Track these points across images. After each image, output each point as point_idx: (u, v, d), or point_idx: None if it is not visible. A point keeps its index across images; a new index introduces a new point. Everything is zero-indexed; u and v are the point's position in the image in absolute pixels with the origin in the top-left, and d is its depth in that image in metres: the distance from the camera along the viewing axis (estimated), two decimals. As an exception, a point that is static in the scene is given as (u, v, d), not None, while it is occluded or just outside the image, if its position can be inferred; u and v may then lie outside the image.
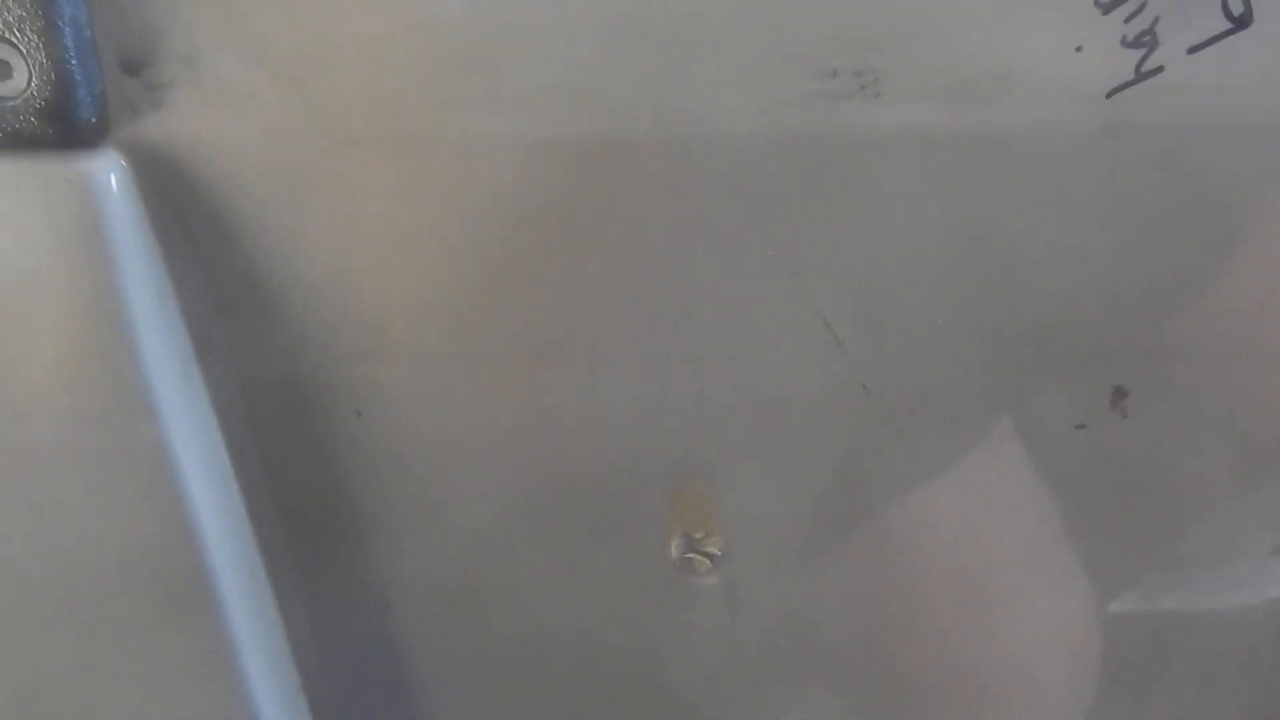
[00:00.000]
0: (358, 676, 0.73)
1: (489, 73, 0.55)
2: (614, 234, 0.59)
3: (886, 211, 0.58)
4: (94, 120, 0.54)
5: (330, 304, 0.61)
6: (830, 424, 0.64)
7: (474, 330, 0.62)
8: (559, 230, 0.59)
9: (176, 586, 0.63)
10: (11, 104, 0.52)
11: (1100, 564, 0.69)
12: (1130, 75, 0.53)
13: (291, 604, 0.69)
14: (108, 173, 0.55)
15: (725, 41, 0.54)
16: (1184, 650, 0.73)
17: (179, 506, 0.61)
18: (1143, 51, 0.53)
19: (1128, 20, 0.52)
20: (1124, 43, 0.53)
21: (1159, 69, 0.53)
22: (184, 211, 0.58)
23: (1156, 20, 0.52)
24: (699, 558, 0.68)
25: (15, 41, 0.51)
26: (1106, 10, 0.52)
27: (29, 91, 0.52)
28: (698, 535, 0.67)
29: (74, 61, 0.52)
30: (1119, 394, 0.62)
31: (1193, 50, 0.53)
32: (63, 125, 0.53)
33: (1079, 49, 0.53)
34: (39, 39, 0.51)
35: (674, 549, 0.68)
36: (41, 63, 0.51)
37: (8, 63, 0.52)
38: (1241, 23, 0.52)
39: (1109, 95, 0.54)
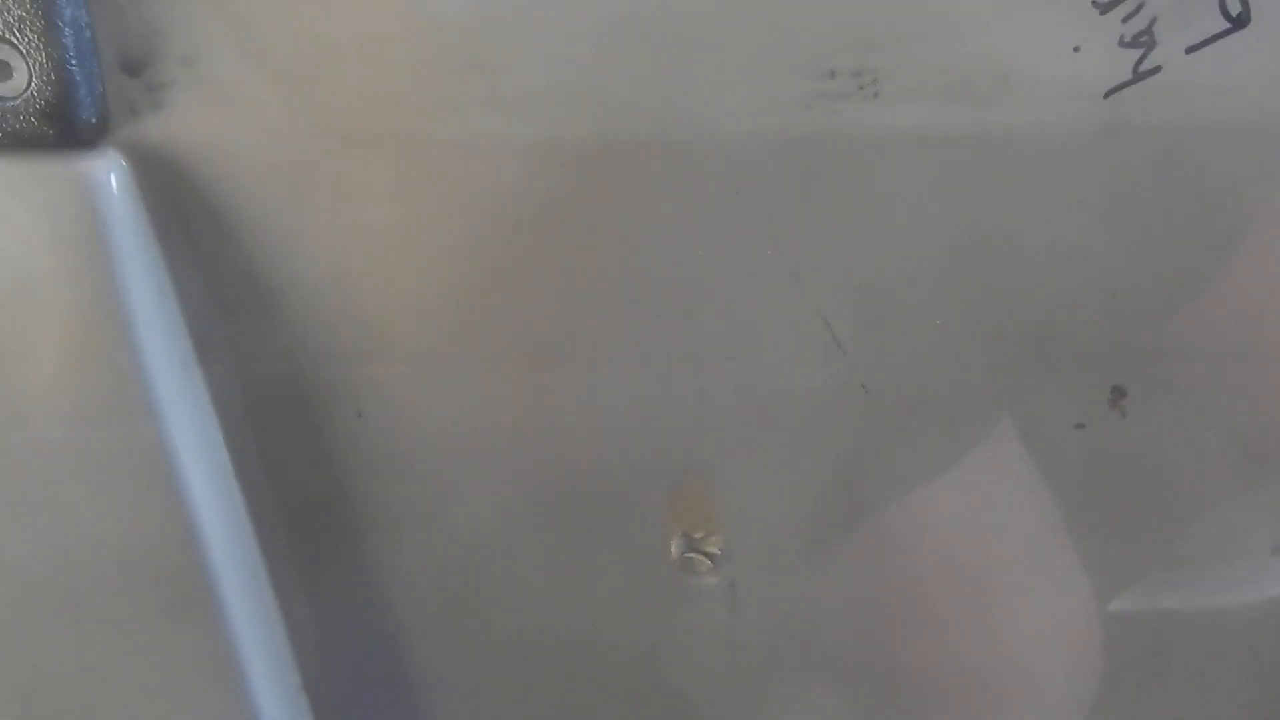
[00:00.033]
0: (358, 675, 0.73)
1: (489, 73, 0.55)
2: (614, 234, 0.59)
3: (886, 211, 0.58)
4: (94, 120, 0.54)
5: (331, 304, 0.61)
6: (830, 423, 0.64)
7: (474, 330, 0.62)
8: (559, 230, 0.59)
9: (177, 586, 0.63)
10: (12, 104, 0.52)
11: (1100, 563, 0.69)
12: (1128, 75, 0.53)
13: (292, 603, 0.68)
14: (108, 173, 0.55)
15: (725, 42, 0.54)
16: (1184, 649, 0.73)
17: (180, 506, 0.61)
18: (1140, 51, 0.53)
19: (1125, 20, 0.52)
20: (1122, 42, 0.53)
21: (1157, 69, 0.53)
22: (184, 212, 0.58)
23: (1154, 20, 0.52)
24: (699, 557, 0.68)
25: (15, 42, 0.51)
26: (1104, 10, 0.52)
27: (29, 92, 0.52)
28: (698, 535, 0.68)
29: (74, 62, 0.52)
30: (1118, 393, 0.62)
31: (1190, 50, 0.53)
32: (63, 125, 0.53)
33: (1077, 49, 0.53)
34: (39, 39, 0.51)
35: (674, 548, 0.68)
36: (42, 63, 0.52)
37: (8, 63, 0.52)
38: (1239, 22, 0.52)
39: (1107, 95, 0.54)
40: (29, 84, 0.52)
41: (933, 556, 0.70)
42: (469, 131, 0.56)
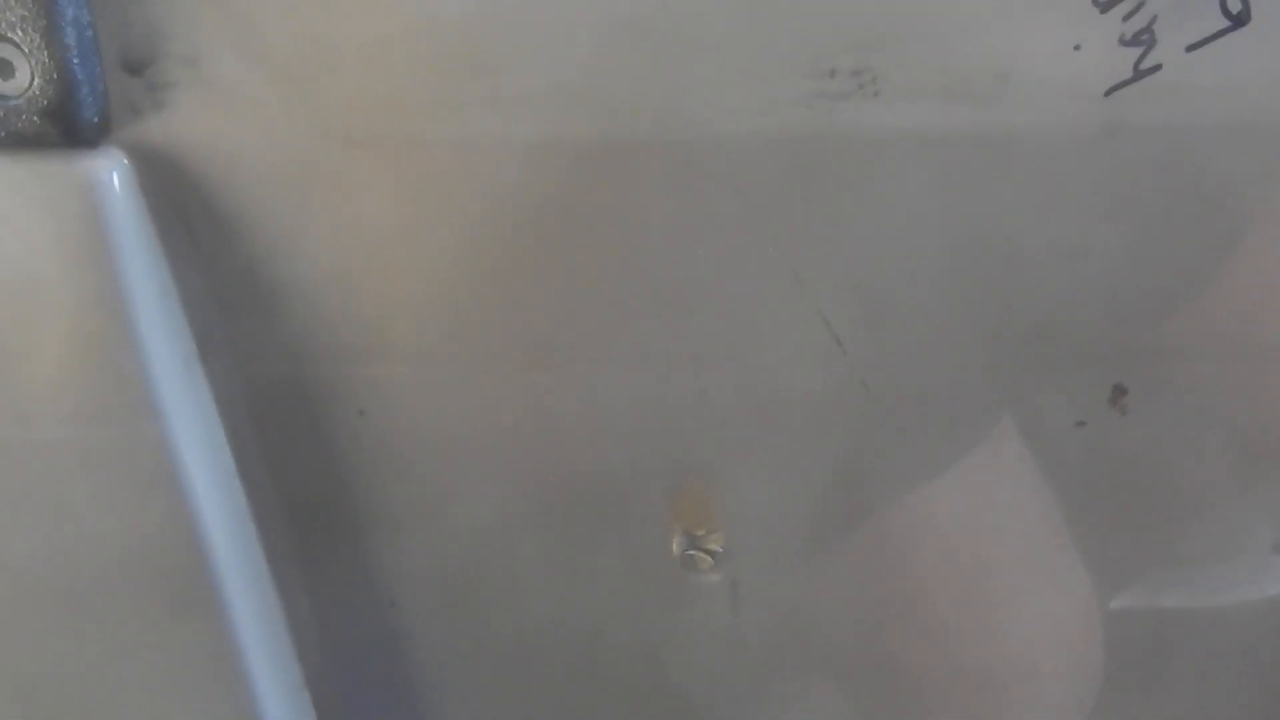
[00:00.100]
0: (361, 673, 0.73)
1: (490, 73, 0.55)
2: (614, 234, 0.60)
3: (886, 211, 0.58)
4: (96, 119, 0.54)
5: (332, 303, 0.61)
6: (831, 422, 0.64)
7: (475, 329, 0.62)
8: (560, 230, 0.59)
9: (179, 584, 0.63)
10: (14, 103, 0.52)
11: (1100, 562, 0.69)
12: (1128, 74, 0.53)
13: (294, 601, 0.68)
14: (110, 171, 0.55)
15: (725, 42, 0.54)
16: (1184, 648, 0.73)
17: (182, 505, 0.61)
18: (1141, 50, 0.53)
19: (1126, 19, 0.52)
20: (1122, 41, 0.53)
21: (1157, 67, 0.53)
22: (186, 211, 0.58)
23: (1154, 19, 0.52)
24: (701, 555, 0.68)
25: (17, 41, 0.51)
26: (1105, 9, 0.52)
27: (31, 91, 0.52)
28: (699, 532, 0.68)
29: (76, 61, 0.52)
30: (1119, 391, 0.62)
31: (1191, 48, 0.53)
32: (65, 124, 0.53)
33: (1077, 47, 0.53)
34: (41, 38, 0.51)
35: (676, 546, 0.68)
36: (44, 62, 0.52)
37: (10, 62, 0.52)
38: (1239, 21, 0.52)
39: (1107, 93, 0.54)
40: (31, 83, 0.52)
41: (934, 554, 0.70)
42: (469, 131, 0.56)
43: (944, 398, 0.64)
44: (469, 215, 0.59)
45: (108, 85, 0.54)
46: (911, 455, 0.65)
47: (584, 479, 0.66)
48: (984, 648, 0.73)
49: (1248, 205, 0.58)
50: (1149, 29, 0.52)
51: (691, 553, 0.68)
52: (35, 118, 0.52)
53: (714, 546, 0.68)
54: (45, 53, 0.51)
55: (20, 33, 0.51)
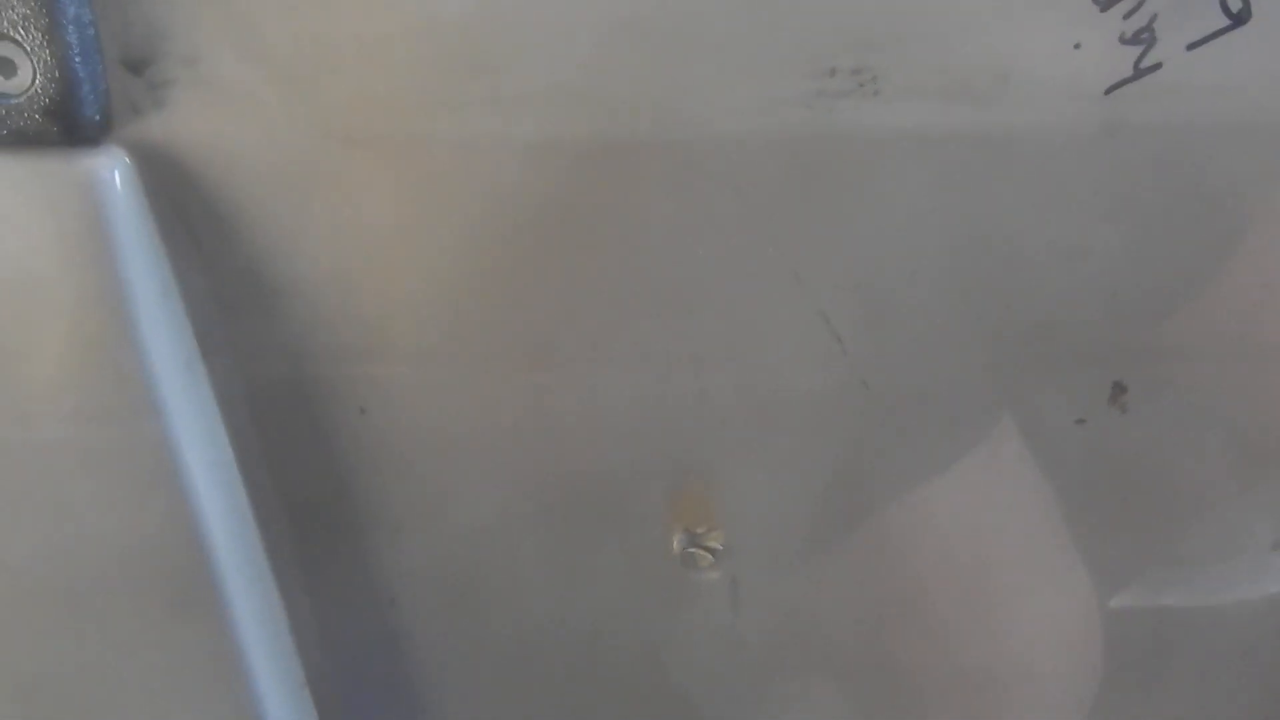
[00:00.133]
0: (362, 672, 0.73)
1: (490, 73, 0.55)
2: (614, 234, 0.60)
3: (886, 210, 0.58)
4: (98, 118, 0.54)
5: (333, 302, 0.61)
6: (831, 421, 0.64)
7: (476, 328, 0.62)
8: (560, 230, 0.59)
9: (180, 584, 0.63)
10: (15, 101, 0.52)
11: (1100, 561, 0.69)
12: (1129, 72, 0.53)
13: (295, 599, 0.68)
14: (111, 170, 0.55)
15: (724, 41, 0.54)
16: (1184, 647, 0.73)
17: (183, 503, 0.61)
18: (1141, 48, 0.53)
19: (1126, 17, 0.52)
20: (1122, 39, 0.53)
21: (1157, 65, 0.53)
22: (187, 209, 0.58)
23: (1155, 17, 0.52)
24: (701, 552, 0.68)
25: (19, 39, 0.51)
26: (1104, 7, 0.52)
27: (33, 89, 0.52)
28: (699, 530, 0.68)
29: (78, 59, 0.52)
30: (1119, 389, 0.62)
31: (1191, 47, 0.53)
32: (67, 122, 0.53)
33: (1077, 46, 0.53)
34: (43, 37, 0.51)
35: (676, 544, 0.68)
36: (45, 60, 0.52)
37: (12, 61, 0.52)
38: (1239, 19, 0.52)
39: (1107, 92, 0.54)
40: (33, 81, 0.52)
41: (934, 553, 0.70)
42: (469, 131, 0.56)
43: (944, 397, 0.64)
44: (469, 215, 0.59)
45: (109, 84, 0.54)
46: (911, 454, 0.65)
47: (584, 478, 0.66)
48: (984, 647, 0.73)
49: (1248, 205, 0.58)
50: (1149, 27, 0.52)
51: (692, 550, 0.68)
52: (37, 116, 0.53)
53: (714, 544, 0.68)
54: (47, 51, 0.52)
55: (22, 31, 0.51)
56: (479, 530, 0.68)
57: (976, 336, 0.62)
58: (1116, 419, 0.63)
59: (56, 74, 0.52)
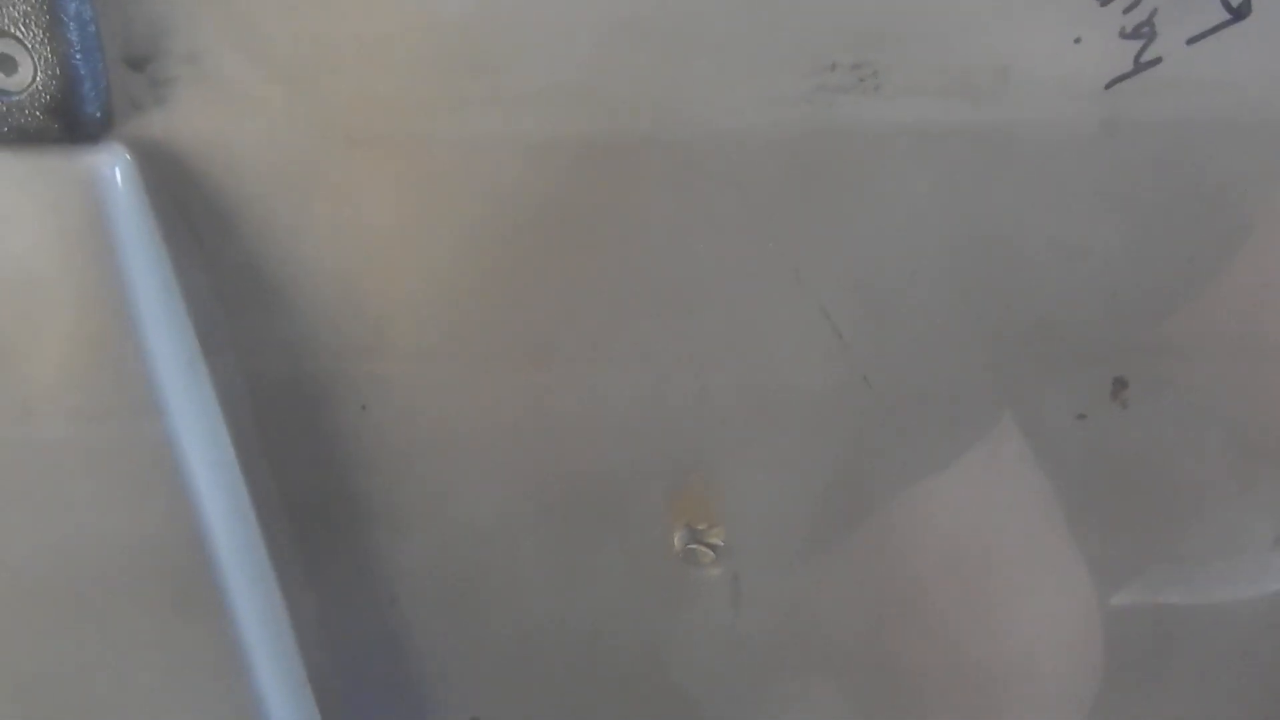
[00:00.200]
0: (363, 670, 0.73)
1: (490, 72, 0.55)
2: (615, 232, 0.60)
3: (887, 207, 0.58)
4: (99, 115, 0.54)
5: (334, 300, 0.61)
6: (832, 418, 0.64)
7: (477, 326, 0.62)
8: (560, 228, 0.59)
9: (182, 582, 0.63)
10: (17, 98, 0.52)
11: (1101, 559, 0.69)
12: (1129, 67, 0.54)
13: (297, 597, 0.68)
14: (112, 167, 0.55)
15: (724, 38, 0.54)
16: (1185, 646, 0.73)
17: (185, 502, 0.61)
18: (1141, 43, 0.53)
19: (1126, 12, 0.52)
20: (1122, 34, 0.53)
21: (1157, 60, 0.53)
22: (188, 207, 0.58)
23: (1155, 12, 0.52)
24: (702, 549, 0.68)
25: (20, 36, 0.51)
26: (1104, 2, 0.52)
27: (34, 86, 0.52)
28: (701, 527, 0.68)
29: (79, 56, 0.52)
30: (1119, 385, 0.62)
31: (1191, 41, 0.53)
32: (68, 120, 0.53)
33: (1077, 41, 0.53)
34: (44, 34, 0.51)
35: (677, 541, 0.68)
36: (47, 57, 0.52)
37: (13, 58, 0.52)
38: (1239, 14, 0.52)
39: (1108, 86, 0.54)
40: (34, 78, 0.52)
41: (935, 549, 0.70)
42: (470, 130, 0.56)
43: (945, 394, 0.64)
44: (470, 213, 0.59)
45: (110, 81, 0.54)
46: (913, 450, 0.65)
47: (585, 475, 0.66)
48: (984, 646, 0.73)
49: (1249, 202, 0.58)
50: (1149, 22, 0.52)
51: (693, 547, 0.68)
52: (38, 113, 0.53)
53: (715, 541, 0.68)
54: (48, 48, 0.52)
55: (23, 28, 0.51)
56: (480, 528, 0.68)
57: (977, 334, 0.62)
58: (1118, 415, 0.63)
59: (57, 71, 0.52)
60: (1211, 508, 0.67)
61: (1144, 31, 0.53)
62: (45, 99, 0.52)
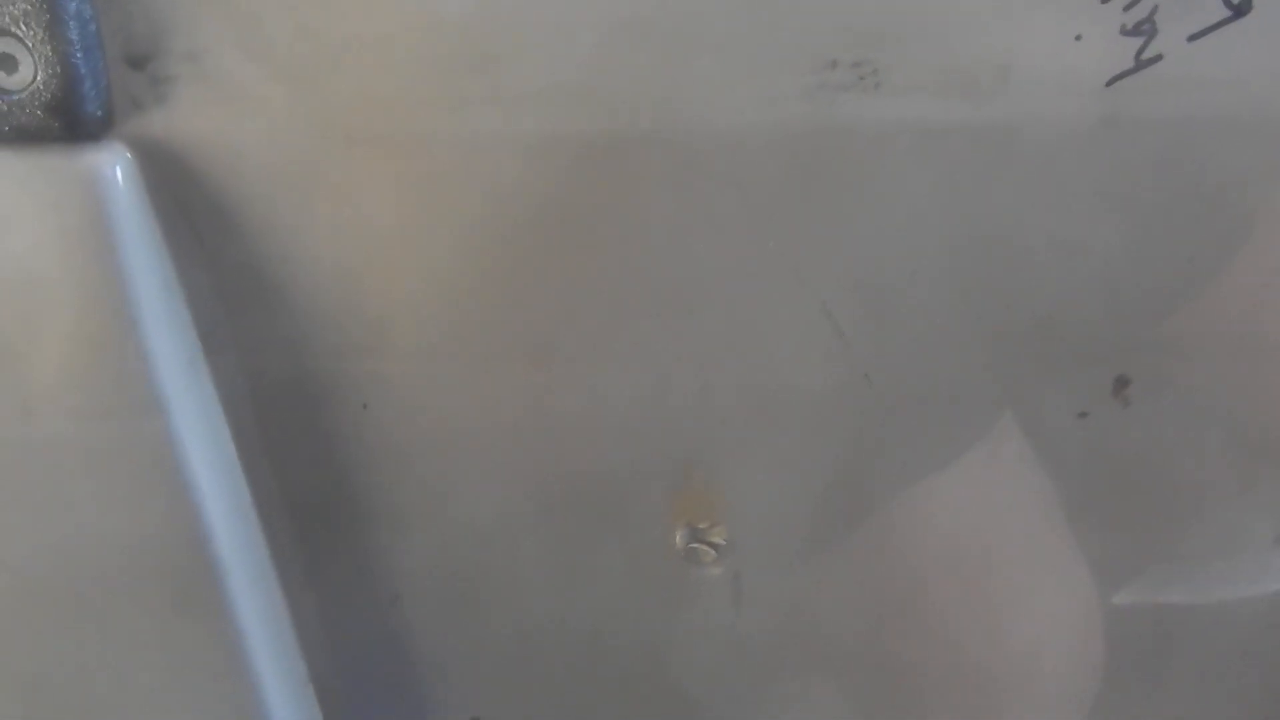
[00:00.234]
0: (365, 668, 0.73)
1: (491, 71, 0.55)
2: (616, 231, 0.60)
3: (888, 205, 0.58)
4: (99, 114, 0.54)
5: (335, 299, 0.61)
6: (833, 417, 0.64)
7: (478, 326, 0.62)
8: (561, 227, 0.59)
9: (184, 580, 0.63)
10: (17, 97, 0.52)
11: (1102, 557, 0.69)
12: (1130, 64, 0.54)
13: (298, 596, 0.69)
14: (113, 166, 0.55)
15: (724, 37, 0.54)
16: (1185, 645, 0.73)
17: (186, 500, 0.61)
18: (1142, 40, 0.53)
19: (1127, 8, 0.52)
20: (1123, 31, 0.53)
21: (1158, 57, 0.53)
22: (189, 206, 0.58)
23: (1155, 9, 0.52)
24: (704, 548, 0.68)
25: (21, 35, 0.51)
26: (1105, -1, 0.52)
27: (35, 85, 0.52)
28: (702, 525, 0.68)
29: (79, 55, 0.52)
30: (1121, 382, 0.62)
31: (1192, 38, 0.53)
32: (69, 118, 0.53)
33: (1078, 38, 0.53)
34: (45, 33, 0.51)
35: (678, 539, 0.68)
36: (47, 56, 0.52)
37: (13, 56, 0.52)
38: (1240, 11, 0.52)
39: (1109, 84, 0.54)
40: (35, 77, 0.52)
41: (936, 547, 0.70)
42: (470, 129, 0.56)
43: (946, 392, 0.64)
44: (470, 213, 0.59)
45: (111, 79, 0.54)
46: (914, 449, 0.65)
47: (587, 474, 0.66)
48: (984, 645, 0.73)
49: (1250, 199, 0.58)
50: (1150, 19, 0.52)
51: (694, 545, 0.68)
52: (39, 112, 0.53)
53: (716, 540, 0.68)
54: (49, 47, 0.52)
55: (24, 27, 0.51)
56: (481, 527, 0.68)
57: (978, 332, 0.62)
58: (1119, 412, 0.63)
59: (58, 70, 0.52)
60: (1212, 507, 0.67)
61: (1145, 29, 0.53)
62: (46, 98, 0.52)
